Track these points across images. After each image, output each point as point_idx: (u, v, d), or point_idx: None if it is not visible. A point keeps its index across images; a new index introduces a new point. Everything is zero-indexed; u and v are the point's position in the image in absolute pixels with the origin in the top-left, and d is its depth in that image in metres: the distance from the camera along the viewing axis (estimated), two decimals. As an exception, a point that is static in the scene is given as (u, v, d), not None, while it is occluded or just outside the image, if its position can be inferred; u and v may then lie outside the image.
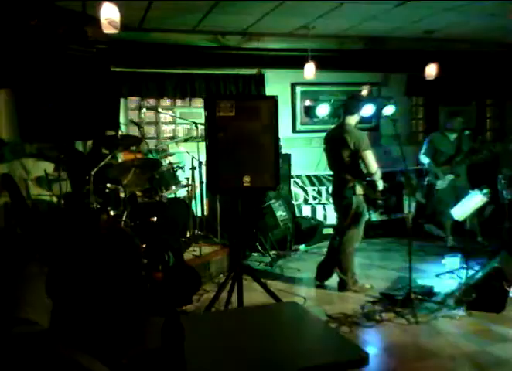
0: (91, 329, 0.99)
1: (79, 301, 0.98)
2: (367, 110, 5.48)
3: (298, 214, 7.31)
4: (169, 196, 5.61)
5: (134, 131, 6.41)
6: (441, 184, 6.38)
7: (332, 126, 5.32)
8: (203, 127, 5.70)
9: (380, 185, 4.77)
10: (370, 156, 4.69)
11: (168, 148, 6.58)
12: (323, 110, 7.14)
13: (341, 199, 4.89)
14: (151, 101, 7.14)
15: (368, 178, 4.73)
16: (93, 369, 0.96)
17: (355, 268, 4.97)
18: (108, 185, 4.78)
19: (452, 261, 5.48)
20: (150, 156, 5.56)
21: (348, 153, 4.75)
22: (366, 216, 4.98)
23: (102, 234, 1.02)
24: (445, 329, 3.92)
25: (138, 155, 5.49)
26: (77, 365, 0.94)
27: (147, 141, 6.13)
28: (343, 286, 4.89)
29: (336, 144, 4.86)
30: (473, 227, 6.08)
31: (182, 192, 6.17)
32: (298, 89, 7.66)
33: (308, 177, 7.46)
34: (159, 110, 7.10)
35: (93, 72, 6.09)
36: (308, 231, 6.91)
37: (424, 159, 6.51)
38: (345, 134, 4.78)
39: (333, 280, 5.07)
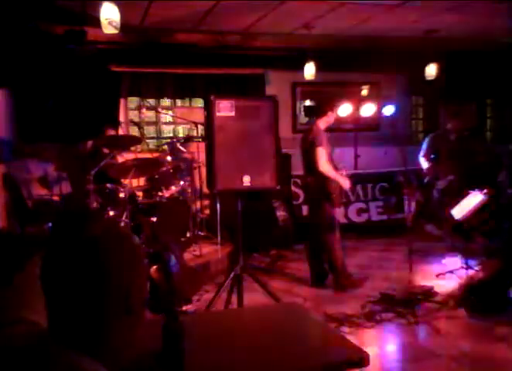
0: (90, 329, 0.99)
1: (77, 301, 0.98)
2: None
3: (298, 214, 7.29)
4: (169, 196, 5.61)
5: (134, 131, 6.41)
6: (441, 184, 6.36)
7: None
8: (202, 127, 5.69)
9: (346, 184, 4.85)
10: (321, 152, 4.74)
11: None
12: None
13: (314, 201, 5.02)
14: (151, 101, 7.14)
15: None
16: (92, 369, 0.96)
17: (344, 263, 4.95)
18: (108, 185, 4.78)
19: (452, 261, 5.47)
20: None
21: (315, 154, 4.81)
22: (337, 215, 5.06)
23: (101, 233, 1.01)
24: (445, 329, 3.91)
25: (139, 155, 5.49)
26: (76, 366, 0.94)
27: (147, 141, 6.13)
28: (338, 284, 4.90)
29: (307, 147, 4.94)
30: (473, 227, 6.07)
31: (182, 192, 6.16)
32: (298, 89, 7.65)
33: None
34: (159, 110, 7.10)
35: (92, 72, 6.11)
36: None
37: (424, 163, 6.45)
38: (312, 136, 4.87)
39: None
